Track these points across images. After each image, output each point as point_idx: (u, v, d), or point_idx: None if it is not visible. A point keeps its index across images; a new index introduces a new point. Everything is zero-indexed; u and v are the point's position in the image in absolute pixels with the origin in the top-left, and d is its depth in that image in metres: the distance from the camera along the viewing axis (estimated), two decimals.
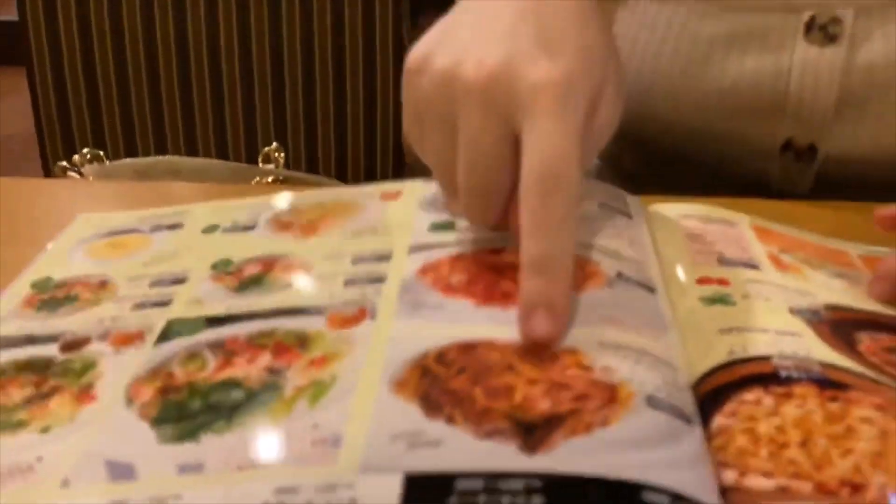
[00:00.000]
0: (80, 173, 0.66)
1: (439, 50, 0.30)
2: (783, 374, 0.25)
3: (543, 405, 0.22)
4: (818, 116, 0.48)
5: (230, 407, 0.25)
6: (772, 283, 0.31)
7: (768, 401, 0.24)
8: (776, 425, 0.23)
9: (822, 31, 0.47)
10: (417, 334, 0.26)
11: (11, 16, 0.90)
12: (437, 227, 0.34)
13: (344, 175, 0.89)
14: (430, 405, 0.22)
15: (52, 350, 0.30)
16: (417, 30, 0.86)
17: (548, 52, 0.28)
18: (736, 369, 0.26)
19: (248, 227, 0.38)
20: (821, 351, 0.27)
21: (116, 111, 0.87)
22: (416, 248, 0.32)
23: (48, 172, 0.90)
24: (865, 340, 0.29)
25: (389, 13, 0.82)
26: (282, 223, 0.38)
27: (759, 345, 0.27)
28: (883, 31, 0.46)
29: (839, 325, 0.29)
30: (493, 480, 0.19)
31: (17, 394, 0.28)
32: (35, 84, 0.86)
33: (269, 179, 0.71)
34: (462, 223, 0.33)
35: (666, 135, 0.52)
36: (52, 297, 0.34)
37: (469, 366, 0.24)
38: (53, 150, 0.88)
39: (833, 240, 0.37)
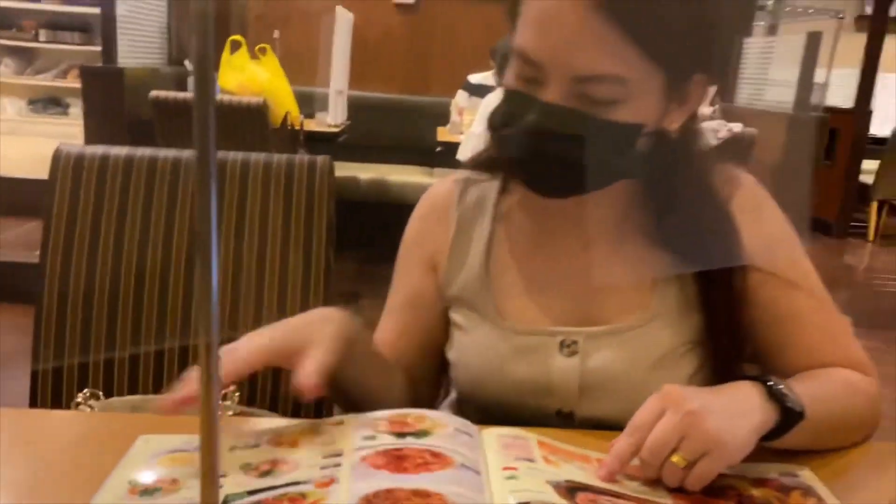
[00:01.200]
0: (91, 406, 0.90)
1: None
2: None
3: None
4: (570, 398, 0.78)
5: None
6: (539, 470, 0.61)
7: None
8: None
9: (568, 347, 0.78)
10: (361, 487, 0.55)
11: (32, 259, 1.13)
12: (366, 438, 0.63)
13: (276, 407, 1.16)
14: None
15: None
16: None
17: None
18: None
19: (256, 445, 0.65)
20: (550, 497, 0.57)
21: (102, 354, 1.12)
22: (357, 449, 0.61)
23: (34, 399, 1.11)
24: (581, 496, 0.59)
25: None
26: (275, 440, 0.66)
27: (526, 497, 0.56)
28: (601, 351, 0.78)
29: (569, 489, 0.59)
30: None
31: None
32: (41, 323, 1.10)
33: (230, 413, 0.97)
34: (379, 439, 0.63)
35: (489, 402, 0.80)
36: (145, 489, 0.60)
37: (393, 498, 0.52)
38: (44, 380, 1.11)
39: (581, 448, 0.68)
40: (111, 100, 3.15)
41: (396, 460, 0.59)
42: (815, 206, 4.97)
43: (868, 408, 0.75)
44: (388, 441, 0.62)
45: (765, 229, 0.79)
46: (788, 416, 0.65)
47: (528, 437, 0.67)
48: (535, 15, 0.69)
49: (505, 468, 0.61)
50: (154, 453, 0.66)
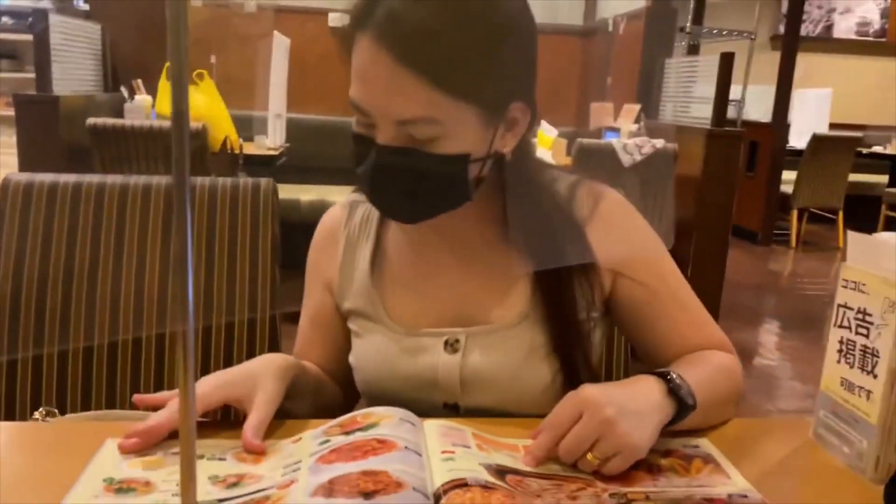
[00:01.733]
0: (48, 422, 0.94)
1: None
2: (470, 483, 0.63)
3: (372, 487, 0.58)
4: (454, 391, 0.86)
5: None
6: (473, 454, 0.69)
7: (460, 492, 0.61)
8: (463, 499, 0.60)
9: (452, 346, 0.86)
10: (316, 479, 0.62)
11: None
12: (321, 444, 0.70)
13: (227, 416, 1.21)
14: (329, 494, 0.58)
15: None
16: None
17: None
18: (449, 484, 0.63)
19: (222, 458, 0.71)
20: (482, 475, 0.65)
21: (54, 375, 1.16)
22: (312, 454, 0.68)
23: None
24: (510, 476, 0.67)
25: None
26: (241, 457, 0.72)
27: (462, 475, 0.64)
28: (479, 348, 0.86)
29: (499, 471, 0.67)
30: None
31: None
32: None
33: None
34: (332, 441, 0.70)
35: (386, 398, 0.85)
36: (119, 487, 0.65)
37: (345, 482, 0.60)
38: None
39: (508, 438, 0.76)
40: (46, 128, 3.13)
41: (347, 452, 0.66)
42: (740, 216, 5.22)
43: (736, 385, 0.86)
44: (339, 440, 0.69)
45: (623, 238, 0.89)
46: (683, 408, 0.75)
47: (464, 428, 0.75)
48: (356, 69, 0.78)
49: (443, 451, 0.69)
50: (124, 456, 0.71)
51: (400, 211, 0.85)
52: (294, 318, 1.06)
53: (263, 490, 0.63)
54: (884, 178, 6.70)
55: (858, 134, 6.08)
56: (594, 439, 0.69)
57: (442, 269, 0.92)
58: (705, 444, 0.78)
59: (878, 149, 6.66)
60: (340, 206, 1.00)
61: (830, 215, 6.22)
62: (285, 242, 1.29)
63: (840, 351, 0.77)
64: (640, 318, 0.89)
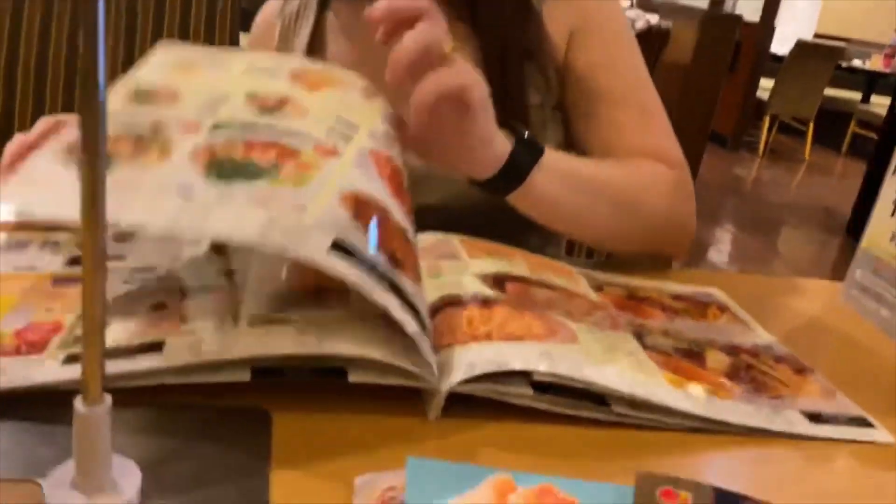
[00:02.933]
0: None
1: None
2: (465, 301, 0.51)
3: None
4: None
5: (251, 174, 0.42)
6: (465, 262, 0.58)
7: (456, 311, 0.50)
8: (458, 319, 0.49)
9: None
10: (357, 179, 0.45)
11: None
12: (386, 134, 0.52)
13: None
14: (355, 216, 0.42)
15: (146, 129, 0.44)
16: None
17: None
18: (444, 300, 0.51)
19: (273, 74, 0.53)
20: (478, 288, 0.53)
21: None
22: (372, 136, 0.50)
23: None
24: (510, 286, 0.56)
25: None
26: (295, 75, 0.54)
27: (457, 289, 0.53)
28: None
29: (497, 280, 0.56)
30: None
31: (125, 147, 0.43)
32: None
33: None
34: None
35: None
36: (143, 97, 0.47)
37: (371, 206, 0.44)
38: None
39: (496, 244, 0.65)
40: None
41: (398, 174, 0.50)
42: (714, 120, 5.11)
43: (662, 194, 0.73)
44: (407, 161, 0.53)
45: (587, 13, 0.79)
46: (526, 146, 0.63)
47: (450, 238, 0.64)
48: None
49: (429, 266, 0.57)
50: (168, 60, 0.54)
51: None
52: None
53: (298, 136, 0.47)
54: (857, 95, 6.65)
55: (842, 44, 5.95)
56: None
57: (377, 53, 0.79)
58: (717, 293, 0.68)
59: (857, 63, 6.55)
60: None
61: (800, 126, 6.17)
62: None
63: None
64: (584, 91, 0.78)
